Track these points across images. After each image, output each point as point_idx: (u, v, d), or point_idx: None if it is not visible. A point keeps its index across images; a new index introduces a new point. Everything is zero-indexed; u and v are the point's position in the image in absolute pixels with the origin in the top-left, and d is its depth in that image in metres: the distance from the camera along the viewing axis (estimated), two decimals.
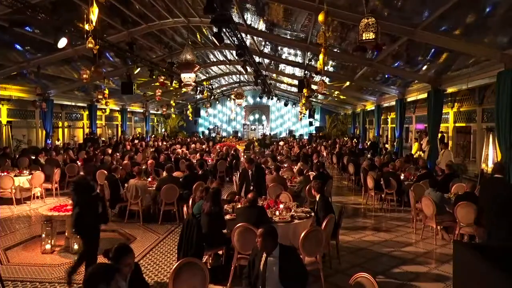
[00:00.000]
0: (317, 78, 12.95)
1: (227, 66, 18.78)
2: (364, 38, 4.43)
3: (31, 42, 10.35)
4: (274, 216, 5.59)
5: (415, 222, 7.59)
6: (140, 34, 11.66)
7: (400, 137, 14.76)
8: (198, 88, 18.14)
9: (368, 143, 19.59)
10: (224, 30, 8.15)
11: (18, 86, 13.69)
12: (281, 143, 21.07)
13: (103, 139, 20.51)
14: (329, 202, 6.07)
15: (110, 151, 14.02)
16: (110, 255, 3.05)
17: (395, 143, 15.56)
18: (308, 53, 11.95)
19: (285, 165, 11.57)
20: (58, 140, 17.46)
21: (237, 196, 6.76)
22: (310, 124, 28.43)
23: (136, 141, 19.39)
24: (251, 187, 7.81)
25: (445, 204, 6.84)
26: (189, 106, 27.08)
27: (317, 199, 5.89)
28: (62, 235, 6.53)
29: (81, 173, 5.20)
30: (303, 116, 25.83)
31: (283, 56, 14.32)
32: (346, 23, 8.35)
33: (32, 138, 16.01)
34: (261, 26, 11.00)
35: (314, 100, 24.53)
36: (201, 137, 27.92)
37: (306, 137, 27.81)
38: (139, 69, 12.13)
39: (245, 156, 15.92)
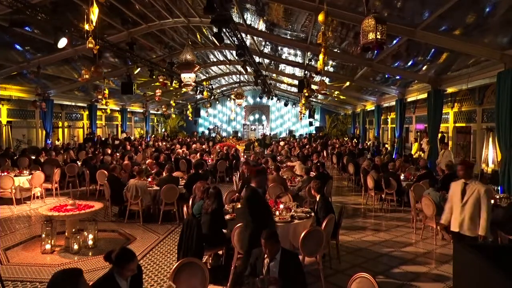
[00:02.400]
0: (317, 78, 12.95)
1: (227, 66, 18.77)
2: (367, 38, 4.41)
3: (31, 42, 10.35)
4: (274, 216, 5.58)
5: (415, 222, 7.59)
6: (140, 34, 11.66)
7: (400, 137, 14.77)
8: (198, 88, 18.14)
9: (369, 143, 19.62)
10: (224, 30, 8.15)
11: (18, 86, 13.69)
12: (282, 143, 21.06)
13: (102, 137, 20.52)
14: (329, 202, 6.07)
15: (109, 151, 14.02)
16: (113, 258, 3.04)
17: (395, 143, 15.56)
18: (308, 53, 11.95)
19: (285, 165, 11.57)
20: (58, 140, 17.47)
21: (236, 194, 6.76)
22: (310, 124, 28.43)
23: (116, 142, 18.92)
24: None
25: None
26: (189, 106, 27.07)
27: (317, 199, 5.89)
28: (62, 235, 6.54)
29: (252, 184, 4.54)
30: (303, 116, 25.83)
31: (283, 56, 14.32)
32: (346, 23, 8.35)
33: (32, 138, 16.01)
34: (261, 26, 11.00)
35: (314, 100, 24.54)
36: (201, 137, 27.89)
37: (304, 137, 27.78)
38: (139, 69, 12.13)
39: (245, 157, 15.93)
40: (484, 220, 4.59)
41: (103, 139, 19.31)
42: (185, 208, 6.12)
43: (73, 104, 18.38)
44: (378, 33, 4.31)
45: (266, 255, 3.68)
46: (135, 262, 3.08)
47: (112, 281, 3.01)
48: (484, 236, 4.59)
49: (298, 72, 15.81)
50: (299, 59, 13.84)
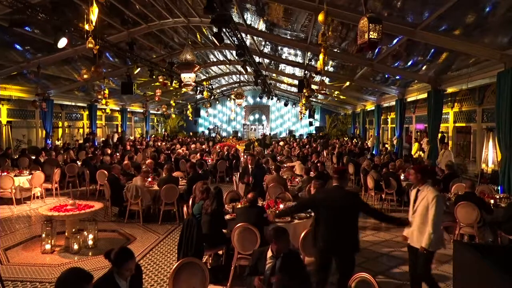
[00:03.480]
0: (317, 78, 12.95)
1: (227, 66, 18.77)
2: (363, 39, 4.42)
3: (31, 42, 10.35)
4: None
5: None
6: (140, 34, 11.66)
7: (400, 137, 14.77)
8: (198, 88, 18.13)
9: (368, 143, 19.61)
10: (224, 30, 8.15)
11: (18, 86, 13.69)
12: (281, 143, 21.05)
13: (102, 139, 20.54)
14: None
15: (109, 151, 14.02)
16: (112, 258, 3.04)
17: (395, 143, 15.56)
18: (308, 53, 11.95)
19: (285, 165, 11.57)
20: (58, 140, 17.47)
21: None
22: (310, 124, 28.42)
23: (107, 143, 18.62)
24: (250, 183, 7.83)
25: (445, 204, 6.83)
26: (189, 106, 27.06)
27: None
28: (62, 235, 6.54)
29: (335, 183, 4.27)
30: (303, 116, 25.83)
31: (283, 56, 14.32)
32: (346, 23, 8.35)
33: (32, 138, 16.01)
34: (261, 26, 11.00)
35: (314, 100, 24.53)
36: (199, 136, 27.89)
37: (305, 137, 27.77)
38: (139, 69, 12.12)
39: (245, 156, 15.90)
40: (428, 232, 4.06)
41: (101, 140, 19.30)
42: (185, 208, 6.12)
43: (73, 104, 18.38)
44: (371, 32, 4.32)
45: (271, 254, 3.66)
46: (133, 261, 3.08)
47: (112, 281, 3.01)
48: (426, 249, 4.08)
49: (298, 72, 15.81)
50: (299, 59, 13.84)
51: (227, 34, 8.73)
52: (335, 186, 4.26)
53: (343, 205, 4.10)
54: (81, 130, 20.23)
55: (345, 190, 4.27)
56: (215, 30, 8.33)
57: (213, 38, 8.61)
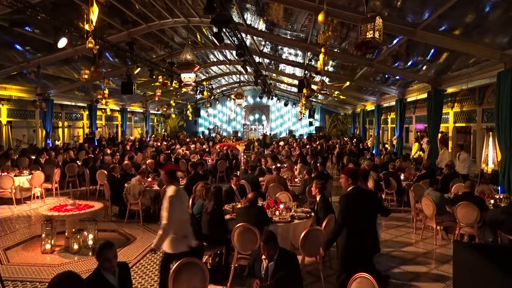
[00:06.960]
0: (317, 78, 12.95)
1: (227, 66, 18.77)
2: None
3: (31, 42, 10.34)
4: (274, 216, 5.58)
5: (415, 222, 7.59)
6: (140, 34, 11.65)
7: (400, 137, 14.76)
8: (198, 88, 18.13)
9: (368, 143, 19.61)
10: (224, 30, 8.15)
11: (18, 86, 13.69)
12: (281, 143, 21.04)
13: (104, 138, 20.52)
14: (329, 202, 6.08)
15: (109, 151, 14.01)
16: (95, 252, 3.22)
17: (394, 143, 15.55)
18: (308, 53, 11.95)
19: (285, 165, 11.57)
20: (58, 140, 17.46)
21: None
22: (310, 124, 28.41)
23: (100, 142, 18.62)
24: None
25: (445, 204, 6.84)
26: (189, 106, 27.06)
27: (317, 199, 5.89)
28: (62, 235, 6.54)
29: (357, 185, 4.29)
30: (303, 116, 25.82)
31: (283, 56, 14.32)
32: (346, 23, 8.35)
33: (32, 138, 16.01)
34: (261, 26, 11.00)
35: (314, 100, 24.52)
36: (201, 137, 27.88)
37: (306, 137, 27.75)
38: (139, 69, 12.12)
39: (244, 156, 15.87)
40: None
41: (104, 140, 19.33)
42: None
43: (73, 104, 18.38)
44: (365, 33, 4.35)
45: (264, 256, 3.69)
46: (111, 251, 3.18)
47: (100, 276, 3.14)
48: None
49: (298, 72, 15.81)
50: (299, 59, 13.84)
51: (227, 34, 8.73)
52: (356, 187, 4.24)
53: (367, 207, 4.22)
54: (81, 130, 20.23)
55: (366, 191, 4.39)
56: (215, 30, 8.33)
57: (213, 38, 8.61)
